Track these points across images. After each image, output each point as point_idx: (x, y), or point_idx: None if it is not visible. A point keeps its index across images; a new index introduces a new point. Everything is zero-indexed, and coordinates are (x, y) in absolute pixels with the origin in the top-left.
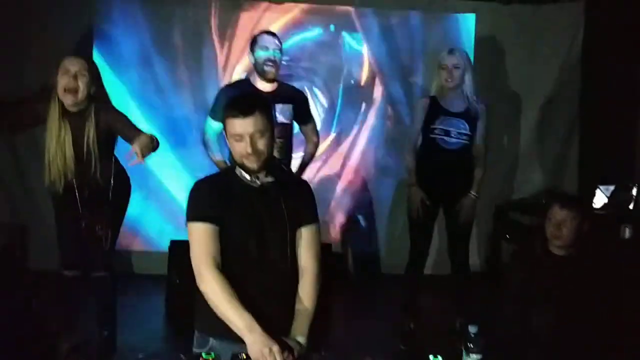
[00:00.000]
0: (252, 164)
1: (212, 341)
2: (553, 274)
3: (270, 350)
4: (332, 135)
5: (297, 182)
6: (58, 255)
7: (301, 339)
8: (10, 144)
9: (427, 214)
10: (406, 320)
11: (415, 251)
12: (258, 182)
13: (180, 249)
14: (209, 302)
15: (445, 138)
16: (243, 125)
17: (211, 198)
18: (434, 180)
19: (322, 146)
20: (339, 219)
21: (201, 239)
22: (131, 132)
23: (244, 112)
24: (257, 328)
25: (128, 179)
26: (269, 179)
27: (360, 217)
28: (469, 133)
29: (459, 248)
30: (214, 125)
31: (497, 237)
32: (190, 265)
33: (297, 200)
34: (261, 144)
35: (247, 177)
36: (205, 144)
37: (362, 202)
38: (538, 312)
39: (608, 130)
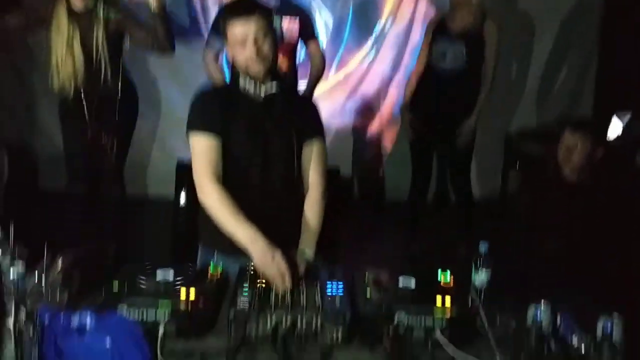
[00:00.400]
0: (256, 67)
1: (216, 254)
2: (563, 200)
3: (274, 257)
4: (339, 55)
5: (302, 97)
6: (65, 170)
7: (309, 252)
8: (12, 60)
9: (422, 139)
10: (412, 244)
11: (416, 177)
12: (262, 94)
13: (187, 168)
14: (212, 216)
15: (442, 61)
16: (245, 27)
17: (213, 109)
18: (429, 105)
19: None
20: (346, 142)
21: (202, 151)
22: (141, 31)
23: (245, 13)
24: (260, 239)
25: (136, 93)
26: (274, 90)
27: (368, 141)
28: (466, 57)
29: (459, 176)
30: (215, 44)
31: (506, 168)
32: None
33: (302, 114)
34: (265, 47)
35: (251, 89)
36: (205, 61)
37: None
38: (546, 239)
39: (628, 57)
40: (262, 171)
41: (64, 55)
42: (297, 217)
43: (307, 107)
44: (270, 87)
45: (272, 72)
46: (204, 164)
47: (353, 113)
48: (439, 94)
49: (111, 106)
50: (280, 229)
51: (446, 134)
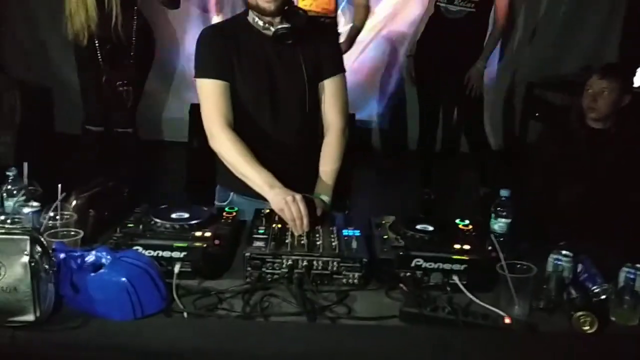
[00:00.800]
0: (268, 3)
1: (232, 195)
2: (587, 146)
3: (294, 198)
4: None
5: (319, 27)
6: (82, 113)
7: (325, 198)
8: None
9: (429, 85)
10: (425, 190)
11: (422, 124)
12: (272, 28)
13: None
14: (225, 162)
15: (449, 6)
16: None
17: (218, 49)
18: (437, 51)
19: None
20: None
21: (210, 96)
22: None
23: None
24: (276, 183)
25: (152, 34)
26: (285, 25)
27: (386, 89)
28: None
29: (473, 122)
30: None
31: (526, 116)
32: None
33: (318, 48)
34: None
35: (260, 22)
36: None
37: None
38: (569, 186)
39: None
40: (271, 112)
41: (77, 3)
42: (311, 162)
43: (324, 38)
44: (281, 22)
45: (284, 7)
46: (212, 110)
47: (377, 54)
48: (446, 39)
49: (125, 52)
50: (295, 172)
51: (453, 80)
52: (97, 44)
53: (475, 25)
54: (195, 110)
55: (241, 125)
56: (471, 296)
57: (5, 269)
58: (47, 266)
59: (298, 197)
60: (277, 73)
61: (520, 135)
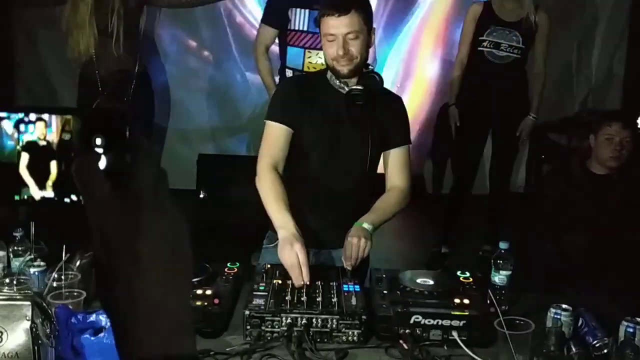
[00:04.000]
0: (342, 67)
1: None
2: (591, 192)
3: (292, 245)
4: None
5: (390, 96)
6: None
7: (367, 226)
8: (29, 29)
9: (473, 138)
10: (437, 244)
11: (460, 175)
12: (346, 88)
13: (207, 162)
14: (262, 199)
15: (495, 51)
16: (336, 25)
17: (292, 98)
18: (481, 99)
19: None
20: None
21: (268, 138)
22: None
23: (339, 9)
24: (289, 226)
25: (151, 87)
26: (358, 87)
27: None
28: (522, 46)
29: (505, 170)
30: (268, 34)
31: (532, 158)
32: (217, 179)
33: (388, 116)
34: (354, 47)
35: (337, 81)
36: (255, 59)
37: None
38: (572, 231)
39: None
40: (330, 165)
41: (79, 26)
42: (356, 215)
43: (394, 108)
44: (356, 83)
45: (359, 71)
46: (265, 150)
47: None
48: (493, 86)
49: (124, 90)
50: (336, 226)
51: (499, 129)
52: (97, 77)
53: (518, 72)
54: (202, 160)
55: (298, 171)
56: (470, 353)
57: (7, 334)
58: (48, 331)
59: (300, 245)
60: (344, 129)
61: (529, 178)
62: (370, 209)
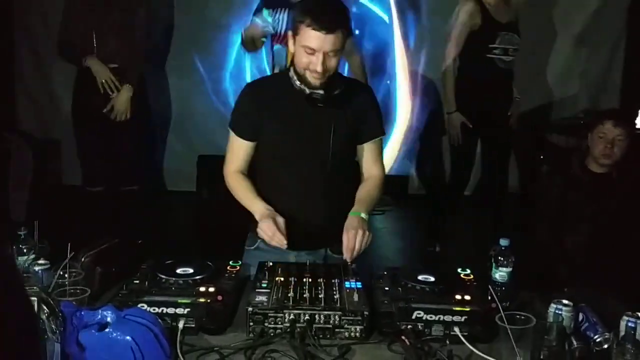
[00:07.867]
0: (315, 80)
1: (259, 242)
2: (590, 190)
3: (269, 218)
4: None
5: (359, 88)
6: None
7: (363, 215)
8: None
9: (470, 139)
10: (432, 243)
11: (457, 176)
12: (307, 90)
13: (208, 162)
14: (234, 195)
15: (504, 57)
16: (320, 42)
17: (251, 107)
18: (482, 103)
19: None
20: None
21: (231, 147)
22: None
23: (328, 29)
24: (264, 207)
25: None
26: (319, 92)
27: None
28: (518, 47)
29: (502, 168)
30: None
31: (531, 159)
32: (217, 178)
33: (357, 109)
34: (332, 63)
35: (298, 82)
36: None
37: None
38: (571, 230)
39: None
40: (293, 167)
41: None
42: (329, 219)
43: (363, 103)
44: (319, 89)
45: (327, 82)
46: (229, 157)
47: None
48: (496, 90)
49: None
50: (310, 225)
51: (495, 125)
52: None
53: (512, 72)
54: (202, 161)
55: (264, 174)
56: (472, 347)
57: None
58: (54, 326)
59: (280, 219)
60: (308, 130)
61: (526, 179)
62: (356, 199)
